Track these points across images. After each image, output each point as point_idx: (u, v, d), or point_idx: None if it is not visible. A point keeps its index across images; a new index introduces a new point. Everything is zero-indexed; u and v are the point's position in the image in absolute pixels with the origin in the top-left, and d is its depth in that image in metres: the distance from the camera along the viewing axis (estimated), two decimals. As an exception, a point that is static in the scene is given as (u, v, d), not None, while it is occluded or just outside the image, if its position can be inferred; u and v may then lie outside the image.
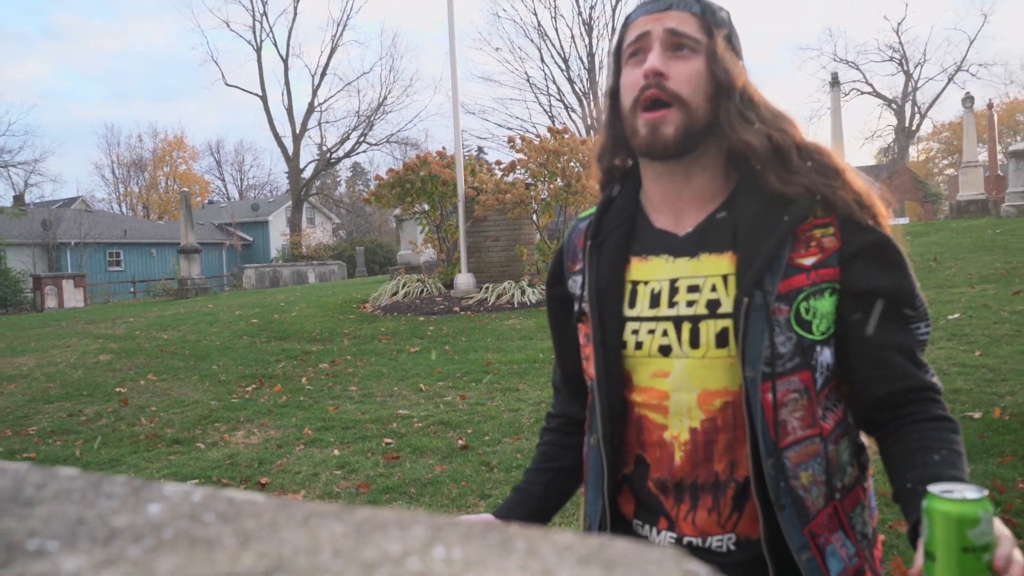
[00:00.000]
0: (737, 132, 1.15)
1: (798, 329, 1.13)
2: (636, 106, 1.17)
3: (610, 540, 0.33)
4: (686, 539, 1.19)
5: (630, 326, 1.21)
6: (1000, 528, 0.93)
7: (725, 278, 1.16)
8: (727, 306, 1.15)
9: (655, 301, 1.20)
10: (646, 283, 1.22)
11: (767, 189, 1.16)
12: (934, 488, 0.92)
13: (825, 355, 1.16)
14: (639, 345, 1.21)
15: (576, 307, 1.30)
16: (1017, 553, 0.92)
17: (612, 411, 1.22)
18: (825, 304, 1.14)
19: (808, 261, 1.14)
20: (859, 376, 1.17)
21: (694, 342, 1.17)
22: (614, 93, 1.25)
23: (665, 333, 1.19)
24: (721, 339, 1.15)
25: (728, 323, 1.15)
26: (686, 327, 1.17)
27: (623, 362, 1.22)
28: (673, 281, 1.20)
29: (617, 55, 1.25)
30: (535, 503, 1.36)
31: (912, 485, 1.06)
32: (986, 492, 0.91)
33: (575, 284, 1.31)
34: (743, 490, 1.16)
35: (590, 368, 1.26)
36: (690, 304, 1.18)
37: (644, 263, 1.23)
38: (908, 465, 1.10)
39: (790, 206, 1.14)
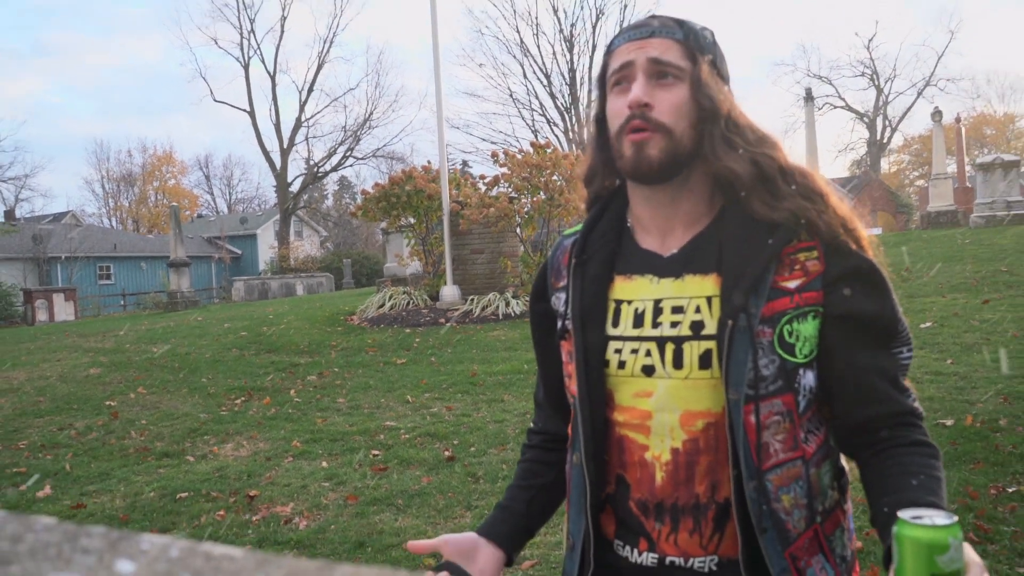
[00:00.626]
0: (721, 159, 1.14)
1: (781, 352, 1.11)
2: (622, 132, 1.16)
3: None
4: (668, 559, 1.17)
5: (613, 345, 1.19)
6: (970, 555, 0.92)
7: (709, 300, 1.15)
8: (711, 328, 1.14)
9: (639, 321, 1.18)
10: (630, 302, 1.20)
11: (753, 215, 1.15)
12: (904, 514, 0.91)
13: (808, 378, 1.14)
14: (622, 364, 1.19)
15: (559, 324, 1.28)
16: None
17: (595, 430, 1.20)
18: (808, 327, 1.13)
19: (792, 284, 1.13)
20: (840, 399, 1.15)
21: (677, 363, 1.15)
22: (600, 119, 1.24)
23: (648, 353, 1.17)
24: (704, 360, 1.13)
25: (711, 345, 1.13)
26: (669, 348, 1.15)
27: (606, 381, 1.20)
28: (657, 302, 1.18)
29: (602, 81, 1.23)
30: (518, 520, 1.34)
31: (888, 510, 1.04)
32: (956, 519, 0.89)
33: (559, 301, 1.29)
34: (724, 511, 1.14)
35: (572, 386, 1.23)
36: (674, 325, 1.16)
37: (628, 282, 1.21)
38: (885, 490, 1.10)
39: (775, 230, 1.14)
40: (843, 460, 1.24)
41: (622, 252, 1.24)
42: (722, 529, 1.15)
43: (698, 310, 1.15)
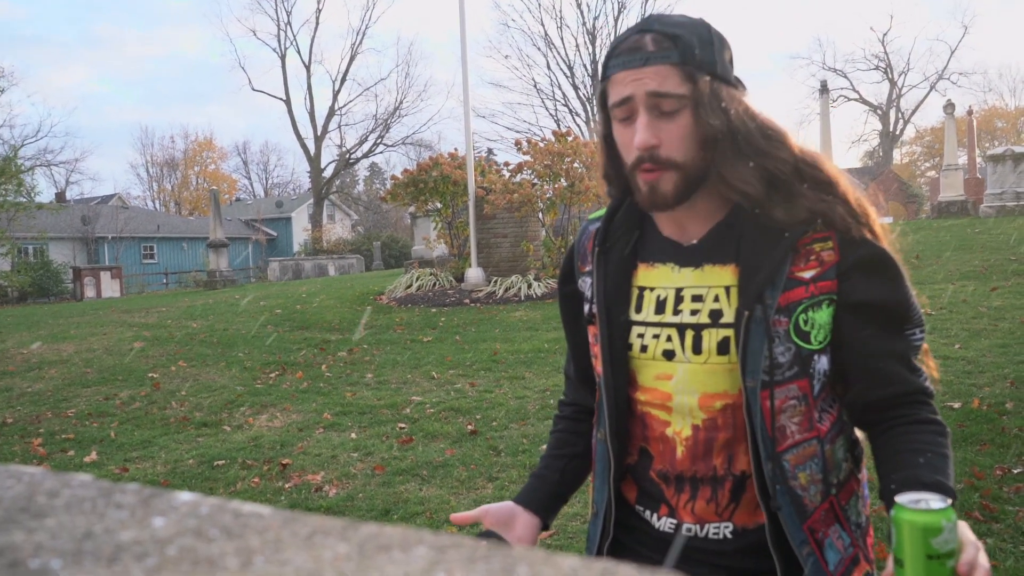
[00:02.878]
0: (733, 184, 1.11)
1: (797, 340, 1.11)
2: (634, 170, 1.13)
3: (615, 566, 0.31)
4: (685, 526, 1.19)
5: (636, 330, 1.20)
6: (966, 535, 0.93)
7: (728, 289, 1.15)
8: (729, 316, 1.14)
9: (660, 308, 1.19)
10: (652, 289, 1.20)
11: (772, 224, 1.12)
12: (901, 499, 0.93)
13: (822, 363, 1.14)
14: (644, 348, 1.20)
15: (586, 308, 1.28)
16: (982, 557, 0.92)
17: (618, 409, 1.22)
18: (823, 315, 1.12)
19: (807, 274, 1.12)
20: (854, 381, 1.15)
21: (696, 349, 1.16)
22: (608, 138, 1.20)
23: (669, 339, 1.17)
24: (722, 347, 1.14)
25: (729, 332, 1.13)
26: (689, 334, 1.16)
27: (629, 363, 1.21)
28: (679, 290, 1.18)
29: (603, 104, 1.18)
30: (552, 488, 1.36)
31: (895, 487, 1.06)
32: (950, 502, 0.91)
33: (584, 284, 1.30)
34: (740, 483, 1.15)
35: (598, 366, 1.25)
36: (694, 313, 1.16)
37: (651, 270, 1.21)
38: (893, 466, 1.10)
39: (792, 224, 1.12)
40: (857, 432, 1.23)
41: (644, 239, 1.23)
42: (738, 499, 1.16)
43: (717, 299, 1.15)
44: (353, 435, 5.14)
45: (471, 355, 7.28)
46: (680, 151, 1.10)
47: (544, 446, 4.34)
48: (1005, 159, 16.55)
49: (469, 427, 5.08)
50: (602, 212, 1.30)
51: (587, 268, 1.29)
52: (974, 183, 23.03)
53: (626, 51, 1.11)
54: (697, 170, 1.12)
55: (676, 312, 1.17)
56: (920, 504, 0.91)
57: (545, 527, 1.33)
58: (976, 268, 9.24)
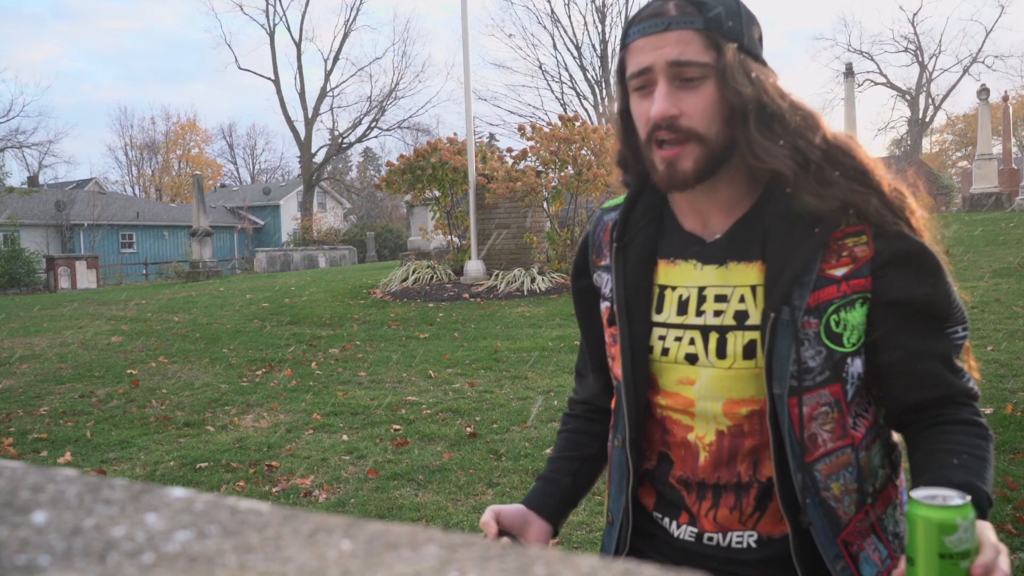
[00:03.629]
0: (761, 159, 1.09)
1: (828, 343, 1.10)
2: (650, 143, 1.12)
3: (637, 567, 0.31)
4: (706, 535, 1.18)
5: (657, 331, 1.20)
6: (987, 536, 0.92)
7: (754, 289, 1.14)
8: (755, 318, 1.13)
9: (683, 308, 1.18)
10: (674, 288, 1.19)
11: (802, 208, 1.10)
12: (917, 494, 0.92)
13: (856, 366, 1.13)
14: (665, 351, 1.19)
15: (603, 306, 1.28)
16: (1002, 561, 0.91)
17: (638, 413, 1.21)
18: (856, 315, 1.11)
19: (840, 272, 1.10)
20: (893, 384, 1.14)
21: (721, 353, 1.15)
22: (624, 112, 1.19)
23: (692, 342, 1.17)
24: (748, 351, 1.13)
25: (756, 335, 1.12)
26: (713, 337, 1.15)
27: (650, 366, 1.21)
28: (701, 289, 1.17)
29: (621, 76, 1.16)
30: (564, 494, 1.35)
31: (924, 486, 1.04)
32: (969, 499, 0.91)
33: (600, 279, 1.29)
34: (766, 490, 1.15)
35: (616, 368, 1.25)
36: (717, 314, 1.15)
37: (672, 267, 1.20)
38: (927, 466, 1.09)
39: (822, 217, 1.11)
40: (894, 435, 1.23)
41: (665, 233, 1.22)
42: (763, 507, 1.16)
43: (742, 299, 1.14)
44: (345, 437, 5.15)
45: (470, 353, 7.29)
46: (703, 122, 1.08)
47: (549, 449, 4.33)
48: (1042, 149, 16.51)
49: (468, 429, 5.08)
50: (618, 201, 1.29)
51: (603, 262, 1.28)
52: (1009, 174, 22.97)
53: (647, 17, 1.10)
54: (720, 146, 1.10)
55: (699, 313, 1.16)
56: (936, 500, 0.90)
57: (555, 533, 1.34)
58: (1011, 265, 9.23)
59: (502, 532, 1.28)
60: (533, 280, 10.45)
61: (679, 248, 1.20)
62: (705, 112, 1.08)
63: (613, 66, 1.22)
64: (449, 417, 5.40)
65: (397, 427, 5.25)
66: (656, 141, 1.11)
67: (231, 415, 5.86)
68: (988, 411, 4.59)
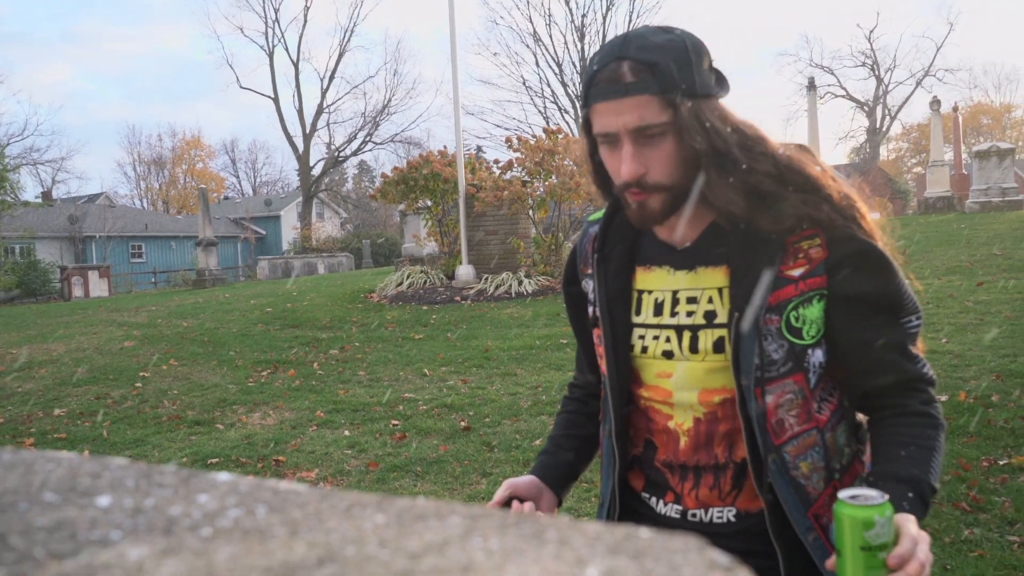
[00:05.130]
0: (717, 202, 1.13)
1: (789, 336, 1.15)
2: (622, 191, 1.16)
3: (636, 530, 0.34)
4: (690, 511, 1.23)
5: (637, 331, 1.25)
6: (905, 528, 0.98)
7: (720, 291, 1.19)
8: (722, 317, 1.18)
9: (658, 310, 1.23)
10: (650, 292, 1.25)
11: (761, 234, 1.14)
12: (843, 494, 0.99)
13: (817, 355, 1.17)
14: (645, 349, 1.25)
15: (590, 310, 1.33)
16: (920, 550, 0.96)
17: (622, 406, 1.27)
18: (814, 311, 1.15)
19: (796, 272, 1.14)
20: (850, 372, 1.19)
21: (693, 348, 1.20)
22: (594, 156, 1.22)
23: (668, 339, 1.22)
24: (718, 346, 1.18)
25: (724, 332, 1.18)
26: (686, 335, 1.21)
27: (632, 363, 1.26)
28: (675, 292, 1.22)
29: (587, 128, 1.18)
30: (568, 467, 1.41)
31: (873, 479, 1.11)
32: (887, 498, 0.97)
33: (588, 287, 1.34)
34: (741, 470, 1.19)
35: (603, 366, 1.30)
36: (689, 315, 1.21)
37: (648, 273, 1.26)
38: (877, 459, 1.15)
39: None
40: (859, 415, 1.27)
41: (641, 244, 1.27)
42: (740, 486, 1.20)
43: (711, 300, 1.19)
44: (346, 432, 5.15)
45: (463, 352, 7.30)
46: (666, 175, 1.13)
47: (539, 440, 4.35)
48: (990, 155, 16.68)
49: (462, 423, 5.10)
50: (601, 214, 1.33)
51: (589, 270, 1.33)
52: (960, 179, 23.17)
53: (605, 81, 1.11)
54: (683, 188, 1.15)
55: (673, 314, 1.22)
56: (859, 500, 0.97)
57: (559, 503, 1.38)
58: (962, 263, 9.32)
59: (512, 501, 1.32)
60: (520, 283, 10.47)
61: (654, 256, 1.25)
62: (667, 165, 1.12)
63: (579, 118, 1.25)
64: (444, 412, 5.42)
65: (395, 422, 5.26)
66: (626, 190, 1.15)
67: (239, 414, 5.85)
68: (943, 398, 4.64)
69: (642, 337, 1.24)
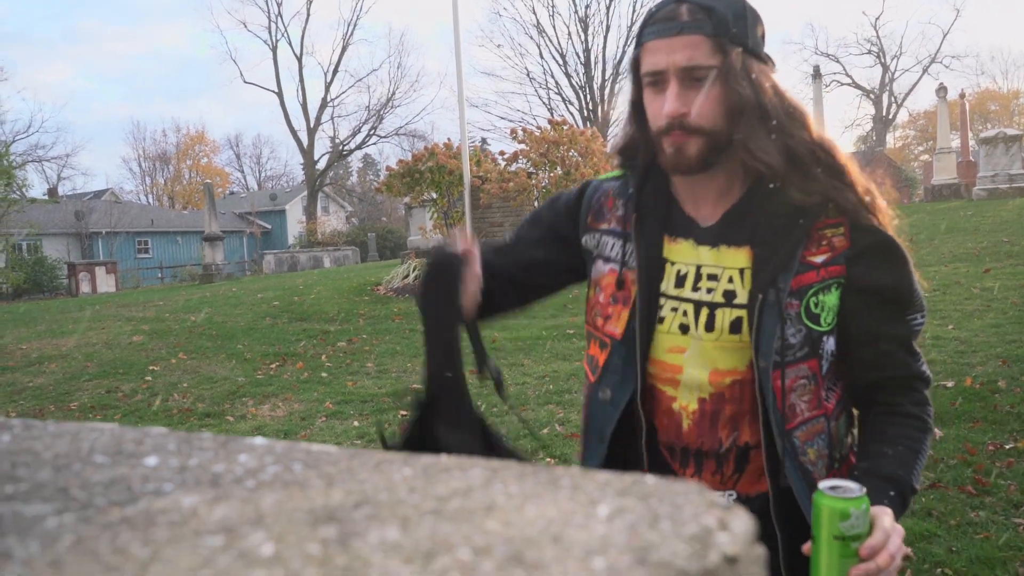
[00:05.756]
0: (755, 154, 1.14)
1: (808, 322, 1.16)
2: (660, 134, 1.17)
3: (643, 477, 0.37)
4: None
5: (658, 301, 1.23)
6: (880, 522, 1.01)
7: (742, 272, 1.19)
8: (742, 298, 1.18)
9: (680, 282, 1.22)
10: (673, 263, 1.23)
11: (788, 201, 1.15)
12: (822, 484, 1.03)
13: (830, 344, 1.19)
14: (661, 319, 1.22)
15: (606, 268, 1.28)
16: (892, 542, 1.00)
17: (643, 374, 1.22)
18: (832, 298, 1.17)
19: (819, 259, 1.16)
20: (856, 363, 1.20)
21: (709, 327, 1.19)
22: (637, 104, 1.23)
23: (685, 313, 1.21)
24: (734, 326, 1.18)
25: (742, 313, 1.17)
26: (704, 312, 1.20)
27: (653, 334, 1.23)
28: (698, 267, 1.21)
29: (635, 70, 1.20)
30: (495, 282, 1.33)
31: (859, 474, 1.14)
32: (864, 491, 1.01)
33: (600, 241, 1.30)
34: (744, 454, 1.20)
35: (610, 327, 1.26)
36: (709, 291, 1.20)
37: (674, 244, 1.24)
38: (864, 455, 1.18)
39: (806, 209, 1.16)
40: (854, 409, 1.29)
41: (671, 215, 1.26)
42: (742, 470, 1.21)
43: (731, 280, 1.19)
44: (356, 423, 5.20)
45: (470, 343, 7.33)
46: (708, 119, 1.14)
47: (546, 429, 4.34)
48: (997, 142, 16.62)
49: (470, 413, 5.13)
50: (612, 175, 1.33)
51: (604, 225, 1.30)
52: (967, 166, 23.09)
53: (661, 20, 1.14)
54: (722, 138, 1.15)
55: (695, 288, 1.21)
56: (837, 491, 1.01)
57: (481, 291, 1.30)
58: (969, 250, 9.32)
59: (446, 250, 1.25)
60: (526, 274, 10.49)
61: (680, 228, 1.24)
62: (711, 110, 1.14)
63: (627, 59, 1.25)
64: (452, 402, 5.45)
65: (404, 412, 5.31)
66: (666, 131, 1.16)
67: (248, 406, 5.91)
68: (950, 384, 4.67)
69: (660, 307, 1.23)
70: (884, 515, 1.03)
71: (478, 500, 0.35)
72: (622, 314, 1.25)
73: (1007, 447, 3.76)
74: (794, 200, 1.15)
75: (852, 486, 1.01)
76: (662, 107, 1.15)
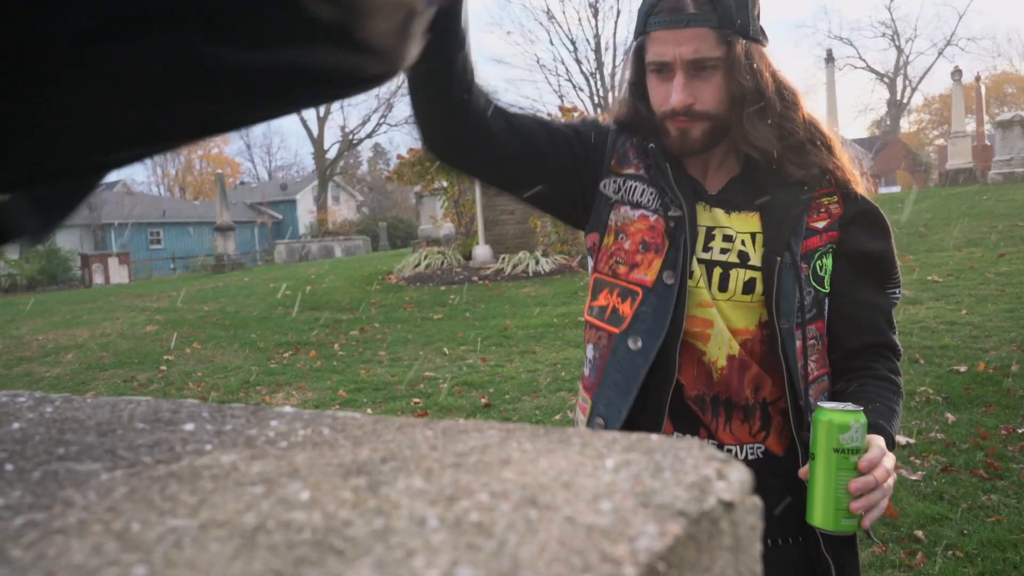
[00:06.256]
0: (753, 139, 1.20)
1: (815, 284, 1.22)
2: (665, 119, 1.21)
3: (648, 435, 0.40)
4: (726, 447, 1.22)
5: None
6: (875, 442, 1.06)
7: (753, 236, 1.24)
8: (755, 260, 1.22)
9: (707, 241, 1.26)
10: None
11: (786, 179, 1.22)
12: (822, 403, 1.07)
13: (828, 306, 1.26)
14: (691, 274, 1.23)
15: (636, 214, 1.26)
16: (887, 460, 1.05)
17: (677, 323, 1.20)
18: (830, 262, 1.24)
19: (820, 225, 1.23)
20: (838, 326, 1.25)
21: (723, 286, 1.23)
22: (638, 85, 1.26)
23: (702, 273, 1.24)
24: (748, 287, 1.22)
25: (755, 274, 1.22)
26: (717, 272, 1.23)
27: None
28: (710, 229, 1.25)
29: (639, 55, 1.24)
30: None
31: None
32: (861, 409, 1.05)
33: (626, 186, 1.28)
34: (766, 411, 1.23)
35: (638, 274, 1.23)
36: (724, 252, 1.24)
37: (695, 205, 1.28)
38: None
39: (806, 180, 1.23)
40: None
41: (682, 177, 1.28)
42: (768, 427, 1.23)
43: (743, 243, 1.23)
44: (369, 411, 5.25)
45: (481, 331, 7.38)
46: (713, 106, 1.19)
47: (558, 416, 4.37)
48: (1013, 125, 16.47)
49: (482, 400, 5.19)
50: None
51: (628, 170, 1.28)
52: (982, 150, 22.90)
53: (667, 10, 1.17)
54: (725, 123, 1.21)
55: (706, 249, 1.24)
56: (837, 407, 1.05)
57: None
58: (984, 235, 9.27)
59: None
60: (537, 262, 10.53)
61: (691, 191, 1.26)
62: (715, 98, 1.19)
63: (631, 45, 1.27)
64: (464, 390, 5.51)
65: (417, 400, 5.36)
66: (671, 116, 1.20)
67: (262, 395, 5.97)
68: (962, 369, 4.67)
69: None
70: (879, 439, 1.08)
71: (495, 455, 0.38)
72: (654, 262, 1.22)
73: (1020, 431, 3.77)
74: (793, 176, 1.22)
75: (850, 405, 1.06)
76: (667, 95, 1.19)
